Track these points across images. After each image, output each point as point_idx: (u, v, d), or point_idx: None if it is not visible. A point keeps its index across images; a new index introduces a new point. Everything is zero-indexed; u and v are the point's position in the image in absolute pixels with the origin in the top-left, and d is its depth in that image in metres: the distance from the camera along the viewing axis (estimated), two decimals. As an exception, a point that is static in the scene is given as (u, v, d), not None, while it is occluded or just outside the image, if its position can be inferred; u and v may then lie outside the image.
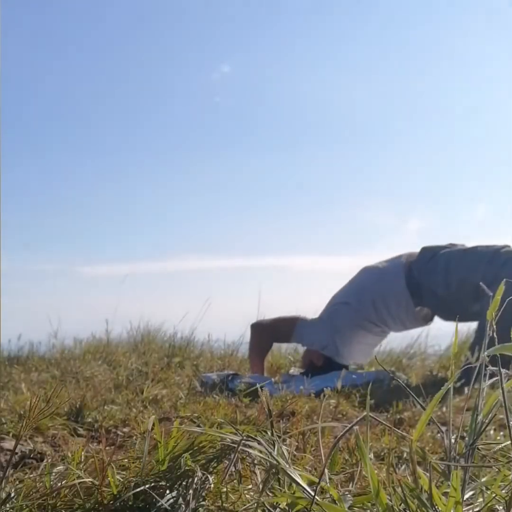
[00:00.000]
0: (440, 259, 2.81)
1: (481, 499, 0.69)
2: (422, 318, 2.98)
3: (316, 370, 2.75)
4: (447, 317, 2.95)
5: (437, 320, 3.16)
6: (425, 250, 2.93)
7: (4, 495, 0.85)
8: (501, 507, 0.67)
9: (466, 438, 0.70)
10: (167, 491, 0.82)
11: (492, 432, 1.31)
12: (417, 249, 3.00)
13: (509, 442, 0.66)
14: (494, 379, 0.70)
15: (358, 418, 0.68)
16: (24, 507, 0.83)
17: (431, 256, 2.86)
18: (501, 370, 0.65)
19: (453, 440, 0.71)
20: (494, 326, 0.71)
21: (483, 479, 0.74)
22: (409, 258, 2.96)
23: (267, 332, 2.95)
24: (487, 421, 0.68)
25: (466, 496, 0.71)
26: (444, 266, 2.78)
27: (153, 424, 0.93)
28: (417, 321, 2.99)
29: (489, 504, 0.67)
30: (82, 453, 1.03)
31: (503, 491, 0.67)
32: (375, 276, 2.99)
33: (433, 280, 2.81)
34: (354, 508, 0.75)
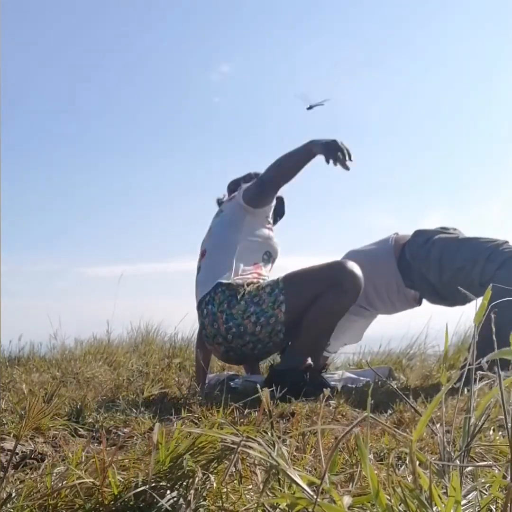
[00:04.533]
0: (435, 245, 2.76)
1: (478, 499, 0.69)
2: (413, 299, 2.96)
3: None
4: (435, 302, 2.93)
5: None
6: (418, 233, 2.88)
7: (4, 495, 0.85)
8: (494, 507, 0.67)
9: (461, 440, 0.71)
10: (168, 491, 0.82)
11: (491, 432, 1.31)
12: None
13: (505, 442, 0.66)
14: (485, 382, 0.70)
15: (358, 420, 0.68)
16: (25, 507, 0.83)
17: (425, 240, 2.82)
18: (499, 371, 0.66)
19: (446, 441, 0.72)
20: (479, 330, 0.72)
21: (481, 480, 0.74)
22: (399, 240, 2.92)
23: None
24: (480, 423, 0.68)
25: (466, 497, 0.71)
26: (439, 253, 2.73)
27: (154, 425, 0.94)
28: (408, 302, 2.97)
29: (486, 505, 0.67)
30: (83, 453, 1.03)
31: (501, 492, 0.67)
32: (363, 260, 2.95)
33: (425, 265, 2.76)
34: (354, 509, 0.75)
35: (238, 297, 2.29)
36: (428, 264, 2.75)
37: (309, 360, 2.21)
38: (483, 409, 0.69)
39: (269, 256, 2.53)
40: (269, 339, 2.30)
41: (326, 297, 2.20)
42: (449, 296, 2.77)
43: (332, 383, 2.27)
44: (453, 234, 2.84)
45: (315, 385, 2.08)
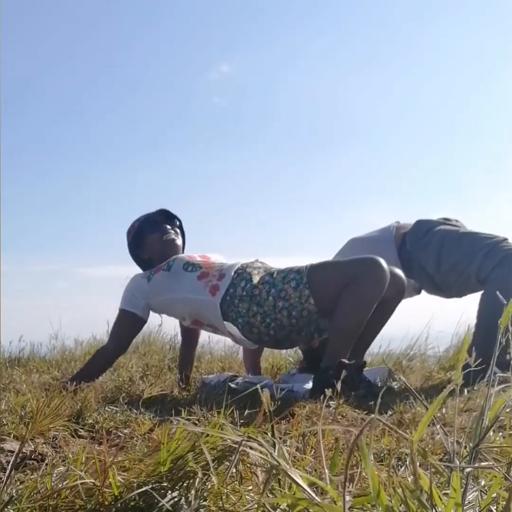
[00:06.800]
0: (435, 236, 2.77)
1: (478, 500, 0.69)
2: (413, 289, 2.96)
3: (314, 353, 2.73)
4: (432, 292, 2.94)
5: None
6: (420, 223, 2.88)
7: (6, 497, 0.85)
8: (494, 508, 0.67)
9: (467, 441, 0.71)
10: (169, 492, 0.83)
11: (491, 433, 1.31)
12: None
13: (505, 443, 0.67)
14: (504, 385, 0.70)
15: (367, 421, 0.68)
16: (25, 509, 0.83)
17: (426, 230, 2.82)
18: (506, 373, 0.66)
19: (452, 442, 0.72)
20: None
21: (482, 481, 0.74)
22: (400, 229, 2.93)
23: None
24: (490, 424, 0.68)
25: (467, 498, 0.71)
26: (438, 244, 2.74)
27: (154, 426, 0.94)
28: (408, 291, 2.97)
29: (486, 506, 0.67)
30: (83, 454, 1.03)
31: (503, 492, 0.67)
32: (365, 247, 2.94)
33: (424, 256, 2.77)
34: (354, 509, 0.75)
35: (263, 293, 2.25)
36: (427, 255, 2.76)
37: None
38: (497, 410, 0.68)
39: (183, 263, 2.47)
40: (309, 325, 2.28)
41: (347, 300, 2.12)
42: (445, 288, 2.78)
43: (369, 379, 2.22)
44: (455, 226, 2.85)
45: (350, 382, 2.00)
